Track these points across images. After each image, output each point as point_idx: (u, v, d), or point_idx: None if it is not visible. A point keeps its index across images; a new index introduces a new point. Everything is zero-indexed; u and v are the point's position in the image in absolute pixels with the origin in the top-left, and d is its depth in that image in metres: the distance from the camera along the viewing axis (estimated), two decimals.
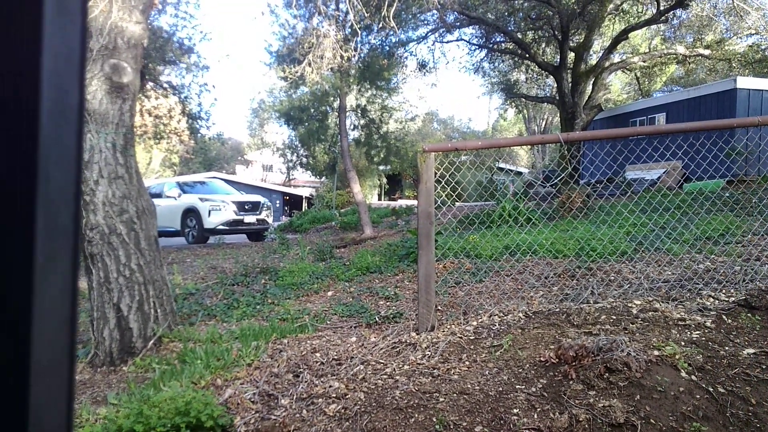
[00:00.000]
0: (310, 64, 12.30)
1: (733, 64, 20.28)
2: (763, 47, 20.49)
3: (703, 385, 2.71)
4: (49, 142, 0.49)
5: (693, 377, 2.77)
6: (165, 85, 15.31)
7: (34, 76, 0.49)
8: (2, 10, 0.49)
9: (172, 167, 44.06)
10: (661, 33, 23.71)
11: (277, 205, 36.76)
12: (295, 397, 3.18)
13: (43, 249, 0.49)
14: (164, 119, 16.16)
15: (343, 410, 2.89)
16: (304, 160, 26.58)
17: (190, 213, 14.99)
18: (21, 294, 0.48)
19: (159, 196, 15.29)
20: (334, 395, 3.11)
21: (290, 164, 28.81)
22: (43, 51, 0.49)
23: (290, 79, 13.36)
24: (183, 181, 17.25)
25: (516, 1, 18.60)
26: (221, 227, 14.70)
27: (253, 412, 3.03)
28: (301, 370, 3.66)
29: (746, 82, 16.90)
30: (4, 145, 0.49)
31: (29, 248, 0.48)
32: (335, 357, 3.90)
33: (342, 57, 12.66)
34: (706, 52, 19.73)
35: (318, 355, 4.03)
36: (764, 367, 2.85)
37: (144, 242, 4.59)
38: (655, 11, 17.55)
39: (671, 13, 18.12)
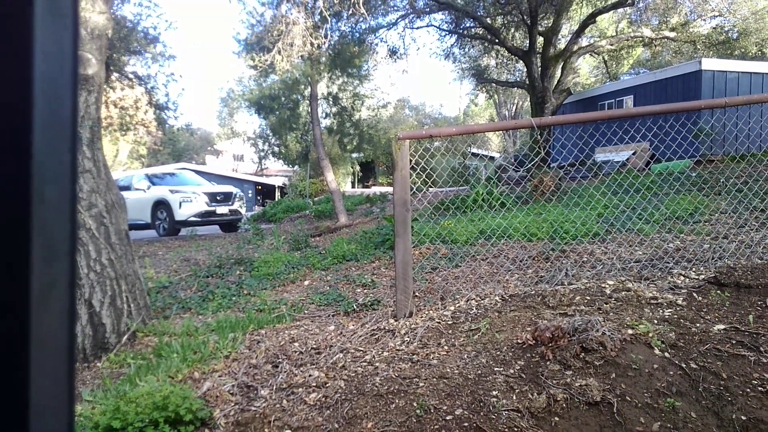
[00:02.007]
0: (279, 52, 12.17)
1: (698, 46, 20.63)
2: (726, 29, 20.88)
3: (676, 362, 2.77)
4: (43, 158, 0.46)
5: (666, 354, 2.83)
6: (130, 76, 15.00)
7: (26, 84, 0.45)
8: None
9: (140, 159, 43.26)
10: (628, 16, 23.95)
11: (250, 195, 36.39)
12: (274, 387, 3.16)
13: (40, 277, 0.46)
14: (130, 110, 15.85)
15: (323, 399, 2.89)
16: (276, 149, 26.36)
17: (161, 205, 14.75)
18: (17, 326, 0.45)
19: (128, 188, 14.99)
20: (314, 384, 3.10)
21: (262, 154, 28.59)
22: (34, 56, 0.45)
23: (260, 67, 13.19)
24: (152, 173, 16.95)
25: None
26: (193, 219, 14.49)
27: (233, 404, 3.00)
28: (280, 360, 3.64)
29: (711, 64, 17.22)
30: None
31: (26, 277, 0.45)
32: (314, 346, 3.89)
33: (312, 44, 12.54)
34: (672, 34, 20.03)
35: (296, 344, 4.01)
36: (734, 342, 2.92)
37: (114, 236, 4.49)
38: None
39: None
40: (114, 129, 15.99)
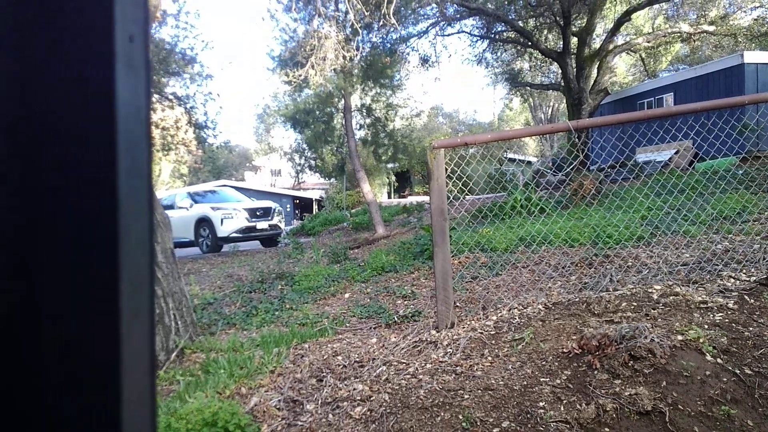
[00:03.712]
0: (313, 67, 12.32)
1: (739, 39, 20.02)
2: None
3: (730, 368, 2.68)
4: (127, 200, 0.51)
5: (719, 360, 2.75)
6: (170, 97, 15.42)
7: (110, 135, 0.50)
8: (77, 71, 0.50)
9: (182, 178, 44.34)
10: (664, 12, 23.47)
11: (288, 209, 36.86)
12: (320, 401, 3.19)
13: (128, 305, 0.51)
14: (171, 131, 16.28)
15: (368, 412, 2.90)
16: (313, 162, 26.66)
17: (203, 222, 15.09)
18: (110, 355, 0.50)
19: (171, 207, 15.40)
20: (359, 398, 3.11)
21: (298, 168, 28.97)
22: (117, 111, 0.50)
23: (294, 82, 13.39)
24: (194, 191, 17.37)
25: None
26: (234, 235, 14.78)
27: (280, 419, 3.04)
28: (324, 374, 3.67)
29: (753, 57, 16.71)
30: (88, 206, 0.50)
31: (115, 305, 0.50)
32: (357, 359, 3.91)
33: (344, 57, 12.67)
34: (711, 28, 19.50)
35: (340, 358, 4.04)
36: None
37: (161, 255, 4.62)
38: None
39: None
40: (156, 149, 16.44)
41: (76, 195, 0.50)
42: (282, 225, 16.62)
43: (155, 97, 14.60)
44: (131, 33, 0.53)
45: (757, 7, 19.82)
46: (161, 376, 4.21)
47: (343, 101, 15.79)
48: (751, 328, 3.07)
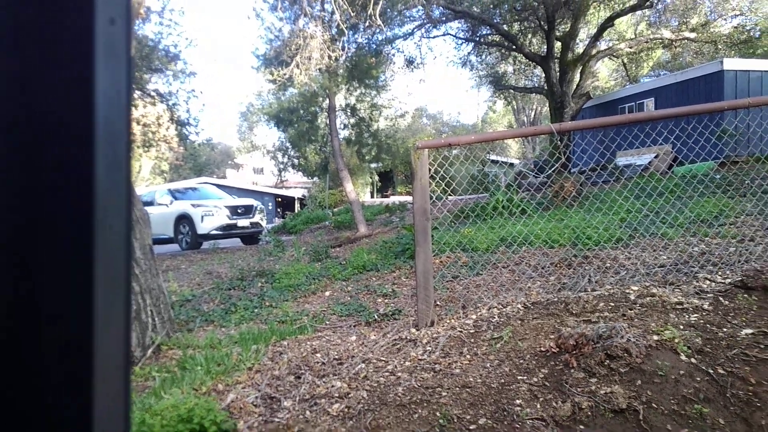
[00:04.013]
0: (298, 66, 12.27)
1: (719, 46, 20.35)
2: (747, 28, 20.58)
3: (703, 368, 2.72)
4: (105, 193, 0.50)
5: (693, 360, 2.78)
6: (152, 93, 15.27)
7: (89, 125, 0.49)
8: (54, 59, 0.49)
9: (163, 174, 43.94)
10: (647, 18, 23.73)
11: (270, 208, 36.68)
12: (297, 398, 3.17)
13: (104, 299, 0.50)
14: (152, 127, 16.11)
15: (346, 409, 2.89)
16: (296, 161, 26.57)
17: (183, 219, 14.94)
18: (82, 345, 0.49)
19: (151, 204, 15.24)
20: (337, 395, 3.10)
21: (281, 166, 28.84)
22: (96, 101, 0.49)
23: (278, 81, 13.34)
24: (174, 188, 17.20)
25: None
26: (215, 232, 14.66)
27: (256, 416, 3.01)
28: (303, 371, 3.65)
29: (733, 64, 16.98)
30: (64, 196, 0.49)
31: (90, 297, 0.49)
32: (336, 357, 3.90)
33: (329, 57, 12.64)
34: (692, 35, 19.78)
35: (318, 355, 4.02)
36: (763, 346, 2.86)
37: (139, 251, 4.56)
38: None
39: None
40: (137, 146, 16.26)
41: (55, 184, 0.49)
42: (263, 223, 16.53)
43: (137, 93, 14.46)
44: (112, 15, 0.51)
45: (737, 15, 20.17)
46: (137, 372, 4.16)
47: (327, 101, 15.75)
48: (725, 329, 3.12)
